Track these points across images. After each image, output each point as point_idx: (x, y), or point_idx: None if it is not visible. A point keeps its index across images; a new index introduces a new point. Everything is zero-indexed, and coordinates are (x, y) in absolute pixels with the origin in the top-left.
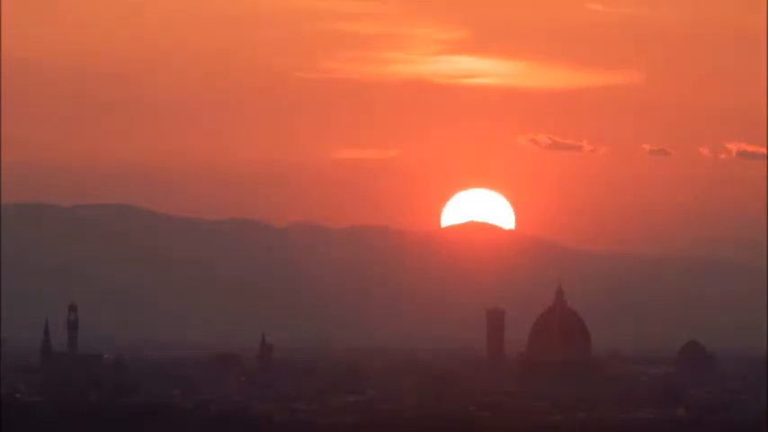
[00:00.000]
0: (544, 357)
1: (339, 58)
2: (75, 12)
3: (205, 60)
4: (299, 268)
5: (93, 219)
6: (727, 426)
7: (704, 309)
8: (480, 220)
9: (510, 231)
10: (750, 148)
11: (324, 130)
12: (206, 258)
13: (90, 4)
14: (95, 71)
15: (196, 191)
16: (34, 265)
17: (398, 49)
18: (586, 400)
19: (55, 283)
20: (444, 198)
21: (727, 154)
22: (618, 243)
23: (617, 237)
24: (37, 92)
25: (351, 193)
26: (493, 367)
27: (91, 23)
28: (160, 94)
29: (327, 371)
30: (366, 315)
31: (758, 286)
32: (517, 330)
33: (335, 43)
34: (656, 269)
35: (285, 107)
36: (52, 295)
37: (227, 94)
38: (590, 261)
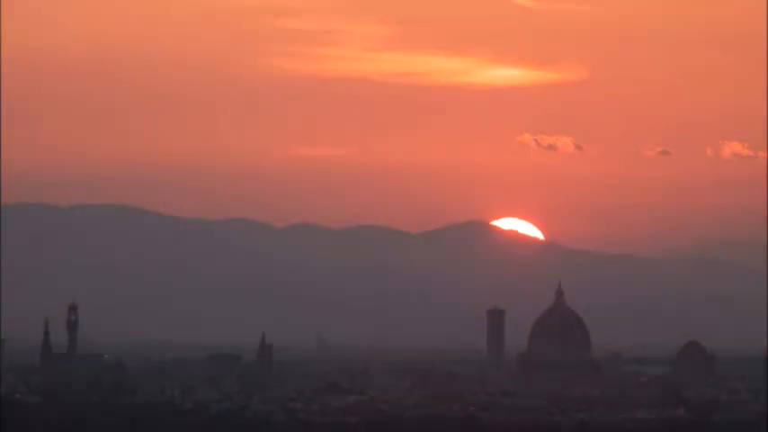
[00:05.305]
0: (544, 357)
1: (278, 54)
2: (75, 12)
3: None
4: (299, 268)
5: (93, 219)
6: (727, 426)
7: (704, 309)
8: (480, 220)
9: (510, 231)
10: (750, 149)
11: (276, 127)
12: (206, 258)
13: (90, 4)
14: (96, 71)
15: (196, 191)
16: (34, 265)
17: (335, 44)
18: (586, 400)
19: (55, 283)
20: (444, 198)
21: (727, 154)
22: (618, 243)
23: (617, 237)
24: (37, 92)
25: (346, 193)
26: (493, 367)
27: (90, 23)
28: (158, 93)
29: (327, 371)
30: (366, 315)
31: (758, 286)
32: (517, 330)
33: (273, 39)
34: (656, 269)
35: (239, 105)
36: (52, 295)
37: (190, 92)
38: (590, 261)
